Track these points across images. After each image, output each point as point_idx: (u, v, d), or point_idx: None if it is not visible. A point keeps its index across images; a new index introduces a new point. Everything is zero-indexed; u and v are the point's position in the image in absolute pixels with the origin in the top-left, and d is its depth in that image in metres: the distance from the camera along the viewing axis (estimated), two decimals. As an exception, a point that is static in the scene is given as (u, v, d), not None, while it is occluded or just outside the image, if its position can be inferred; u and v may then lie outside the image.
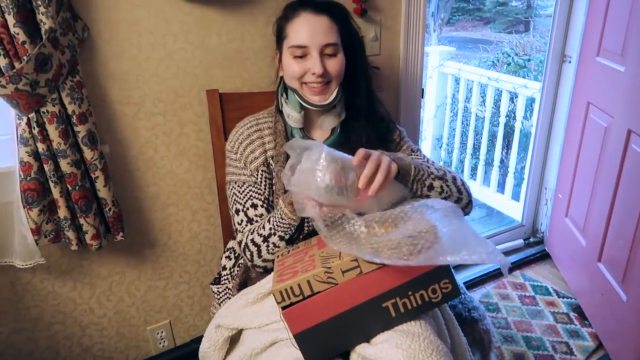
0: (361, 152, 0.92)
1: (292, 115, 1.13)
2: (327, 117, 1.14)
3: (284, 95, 1.15)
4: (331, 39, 1.06)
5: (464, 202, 1.11)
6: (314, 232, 1.07)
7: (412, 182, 1.02)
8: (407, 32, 1.66)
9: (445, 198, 1.07)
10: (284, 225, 1.03)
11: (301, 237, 1.08)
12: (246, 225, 1.13)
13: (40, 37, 1.08)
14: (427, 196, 1.05)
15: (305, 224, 1.11)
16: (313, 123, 1.17)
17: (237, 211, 1.14)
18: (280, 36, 1.12)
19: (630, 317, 1.62)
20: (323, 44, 1.05)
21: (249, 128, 1.17)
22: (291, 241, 1.06)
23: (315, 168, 0.85)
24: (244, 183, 1.15)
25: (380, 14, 1.60)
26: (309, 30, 1.05)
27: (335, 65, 1.08)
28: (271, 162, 1.14)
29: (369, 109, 1.16)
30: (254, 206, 1.13)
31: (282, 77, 1.15)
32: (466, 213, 1.13)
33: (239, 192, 1.15)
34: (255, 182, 1.14)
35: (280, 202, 1.05)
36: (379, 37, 1.62)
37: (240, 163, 1.15)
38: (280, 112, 1.18)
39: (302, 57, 1.07)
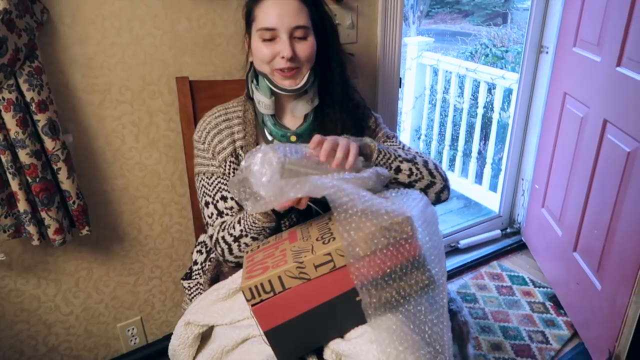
0: (316, 137, 0.90)
1: (263, 102, 1.09)
2: (298, 102, 1.10)
3: (254, 82, 1.11)
4: (301, 21, 1.02)
5: (438, 186, 1.08)
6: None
7: (377, 165, 0.99)
8: (385, 20, 1.63)
9: (415, 182, 1.04)
10: (257, 228, 1.00)
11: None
12: (217, 218, 1.09)
13: (-6, 19, 1.01)
14: (395, 179, 1.02)
15: (283, 225, 1.07)
16: (284, 109, 1.13)
17: (207, 204, 1.10)
18: (249, 19, 1.08)
19: (604, 306, 1.63)
20: (292, 26, 1.01)
21: (217, 117, 1.13)
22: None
23: (252, 167, 0.82)
24: (213, 174, 1.10)
25: (357, 0, 1.57)
26: (278, 12, 1.01)
27: (305, 48, 1.04)
28: (240, 152, 1.10)
29: (343, 95, 1.13)
30: (224, 198, 1.09)
31: (252, 63, 1.10)
32: (442, 199, 1.11)
33: (207, 184, 1.10)
34: (224, 174, 1.10)
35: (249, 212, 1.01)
36: (355, 24, 1.59)
37: (208, 154, 1.11)
38: (250, 99, 1.13)
39: (271, 40, 1.03)
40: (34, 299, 1.38)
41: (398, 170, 1.02)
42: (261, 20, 1.03)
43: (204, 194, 1.11)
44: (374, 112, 1.24)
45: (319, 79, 1.10)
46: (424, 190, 1.06)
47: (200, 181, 1.12)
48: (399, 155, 1.03)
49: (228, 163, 1.10)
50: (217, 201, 1.09)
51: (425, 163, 1.07)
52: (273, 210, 0.97)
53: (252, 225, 0.99)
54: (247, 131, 1.10)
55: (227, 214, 1.09)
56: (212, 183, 1.10)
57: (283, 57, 1.01)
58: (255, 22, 1.05)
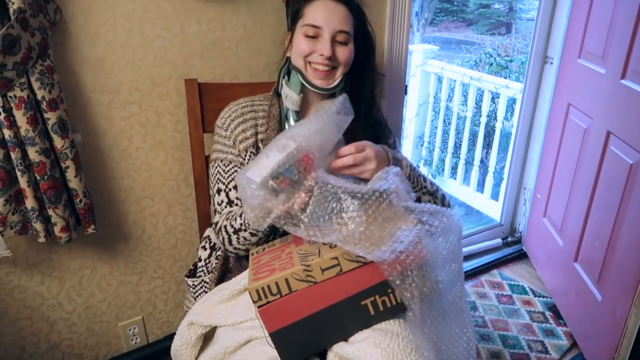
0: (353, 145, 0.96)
1: (291, 97, 1.11)
2: (324, 103, 1.11)
3: (286, 77, 1.13)
4: (345, 26, 1.07)
5: None
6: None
7: None
8: (392, 28, 1.64)
9: None
10: (260, 232, 1.01)
11: (278, 235, 1.05)
12: (225, 207, 1.10)
13: (9, 18, 1.02)
14: None
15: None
16: (309, 108, 1.15)
17: (219, 190, 1.11)
18: (296, 16, 1.12)
19: (604, 317, 1.64)
20: (337, 29, 1.06)
21: (243, 107, 1.15)
22: (265, 240, 1.04)
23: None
24: (230, 162, 1.11)
25: (366, 8, 1.56)
26: (326, 13, 1.06)
27: (344, 52, 1.08)
28: (261, 145, 1.12)
29: (368, 110, 1.16)
30: (237, 188, 1.09)
31: (287, 58, 1.14)
32: None
33: (223, 171, 1.11)
34: (242, 163, 1.11)
35: None
36: (363, 31, 1.60)
37: (229, 141, 1.12)
38: (278, 95, 1.16)
39: (314, 37, 1.07)
40: (37, 296, 1.38)
41: (418, 201, 1.05)
42: (309, 18, 1.07)
43: (218, 181, 1.12)
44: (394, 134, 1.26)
45: (349, 89, 1.13)
46: None
47: (216, 167, 1.13)
48: (425, 186, 1.08)
49: (249, 154, 1.11)
50: (230, 190, 1.10)
51: (443, 198, 1.11)
52: None
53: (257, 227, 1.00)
54: (270, 125, 1.12)
55: (236, 204, 1.10)
56: (228, 171, 1.11)
57: (322, 55, 1.05)
58: (302, 19, 1.09)
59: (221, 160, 1.12)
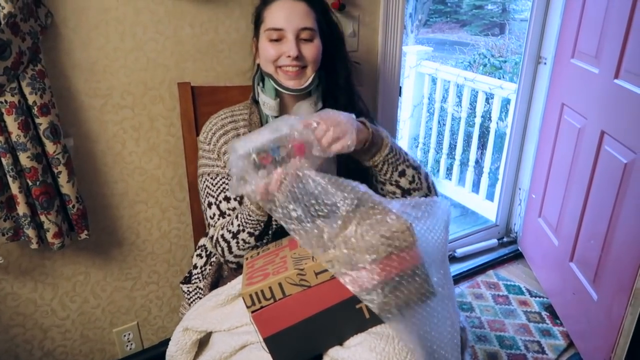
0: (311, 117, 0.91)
1: (268, 103, 1.11)
2: (302, 104, 1.10)
3: (260, 84, 1.12)
4: (307, 23, 1.05)
5: None
6: (283, 231, 1.04)
7: (383, 163, 1.00)
8: (386, 29, 1.64)
9: (414, 190, 1.05)
10: (252, 222, 1.00)
11: (270, 233, 1.04)
12: (218, 219, 1.09)
13: (-1, 22, 1.01)
14: (396, 182, 1.03)
15: (274, 221, 1.07)
16: (288, 111, 1.14)
17: (210, 204, 1.11)
18: (257, 22, 1.11)
19: (601, 316, 1.64)
20: (299, 27, 1.04)
21: (223, 119, 1.15)
22: (260, 237, 1.03)
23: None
24: (217, 175, 1.11)
25: (359, 9, 1.58)
26: (286, 13, 1.04)
27: (311, 49, 1.06)
28: None
29: (347, 101, 1.14)
30: (227, 199, 1.09)
31: (259, 65, 1.13)
32: None
33: (211, 184, 1.11)
34: (228, 174, 1.10)
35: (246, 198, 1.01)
36: (357, 33, 1.60)
37: (213, 154, 1.12)
38: (256, 102, 1.15)
39: (278, 40, 1.05)
40: (30, 303, 1.37)
41: (402, 174, 1.03)
42: (269, 21, 1.06)
43: (208, 195, 1.11)
44: (377, 122, 1.25)
45: (324, 84, 1.12)
46: None
47: (204, 182, 1.13)
48: (408, 160, 1.04)
49: None
50: (220, 202, 1.09)
51: (427, 176, 1.09)
52: None
53: (247, 219, 1.00)
54: None
55: (229, 215, 1.09)
56: (216, 184, 1.11)
57: (289, 56, 1.04)
58: (263, 24, 1.08)
59: (208, 174, 1.12)
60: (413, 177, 1.05)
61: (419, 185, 1.06)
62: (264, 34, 1.07)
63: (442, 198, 0.89)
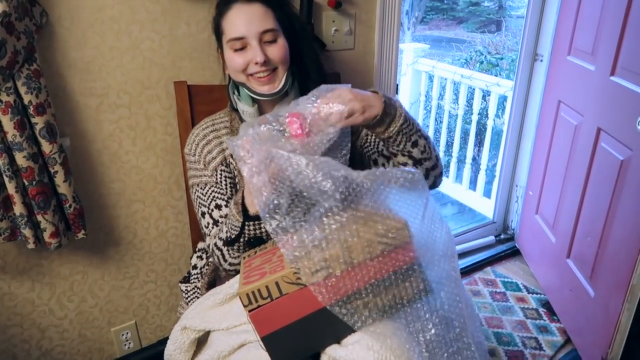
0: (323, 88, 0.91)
1: (246, 111, 1.10)
2: (281, 106, 1.10)
3: (236, 93, 1.11)
4: (267, 24, 1.03)
5: (438, 170, 1.09)
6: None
7: (398, 134, 0.97)
8: (382, 27, 1.64)
9: (424, 160, 1.03)
10: (234, 227, 0.99)
11: (241, 240, 1.00)
12: (213, 228, 1.09)
13: (-7, 22, 1.01)
14: (409, 152, 1.01)
15: (246, 226, 1.00)
16: None
17: (203, 214, 1.11)
18: (218, 33, 1.09)
19: (597, 312, 1.65)
20: (260, 31, 1.02)
21: (204, 129, 1.14)
22: (232, 243, 1.00)
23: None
24: (206, 184, 1.11)
25: (355, 7, 1.58)
26: (244, 20, 1.02)
27: (276, 50, 1.04)
28: (231, 160, 1.11)
29: None
30: (218, 207, 1.09)
31: (230, 75, 1.11)
32: (437, 185, 1.11)
33: (202, 194, 1.11)
34: (217, 182, 1.10)
35: (231, 202, 1.01)
36: (353, 31, 1.60)
37: (199, 165, 1.12)
38: (235, 110, 1.14)
39: (242, 49, 1.04)
40: (27, 303, 1.37)
41: (415, 144, 1.01)
42: (229, 32, 1.04)
43: (200, 205, 1.12)
44: None
45: (298, 80, 1.11)
46: (428, 171, 1.06)
47: (195, 192, 1.13)
48: (420, 129, 1.02)
49: (219, 172, 1.11)
50: (212, 210, 1.10)
51: (434, 147, 1.07)
52: (244, 210, 0.96)
53: (231, 223, 0.99)
54: None
55: (222, 222, 1.09)
56: (206, 193, 1.11)
57: (257, 63, 1.02)
58: (224, 35, 1.06)
59: (197, 185, 1.12)
60: (425, 147, 1.02)
61: (429, 154, 1.04)
62: (227, 45, 1.05)
63: (414, 169, 0.86)
